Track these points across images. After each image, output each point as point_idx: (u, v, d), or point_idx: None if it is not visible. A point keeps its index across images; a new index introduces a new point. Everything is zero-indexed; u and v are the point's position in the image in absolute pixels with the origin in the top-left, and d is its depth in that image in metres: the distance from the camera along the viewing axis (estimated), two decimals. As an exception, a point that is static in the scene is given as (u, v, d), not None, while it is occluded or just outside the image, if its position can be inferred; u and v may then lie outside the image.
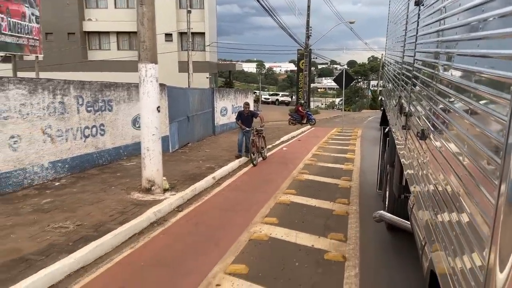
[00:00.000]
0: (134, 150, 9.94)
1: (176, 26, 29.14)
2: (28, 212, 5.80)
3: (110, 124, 9.12)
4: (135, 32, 26.77)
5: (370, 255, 4.83)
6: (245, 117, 10.69)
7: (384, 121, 7.37)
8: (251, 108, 21.22)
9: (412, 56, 3.96)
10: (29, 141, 6.89)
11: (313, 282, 4.11)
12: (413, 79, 3.84)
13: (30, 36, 14.54)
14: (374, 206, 6.56)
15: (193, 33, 27.14)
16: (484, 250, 1.36)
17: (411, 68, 3.99)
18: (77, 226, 5.27)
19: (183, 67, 28.97)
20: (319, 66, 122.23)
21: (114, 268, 4.40)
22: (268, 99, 44.55)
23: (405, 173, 4.18)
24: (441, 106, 2.46)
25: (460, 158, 1.87)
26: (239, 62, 54.84)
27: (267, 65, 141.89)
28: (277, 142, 14.67)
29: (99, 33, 30.41)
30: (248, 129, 10.46)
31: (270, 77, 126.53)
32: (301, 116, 23.06)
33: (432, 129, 2.70)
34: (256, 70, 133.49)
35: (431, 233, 2.43)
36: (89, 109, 8.39)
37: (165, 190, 7.00)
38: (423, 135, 2.95)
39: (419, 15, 3.73)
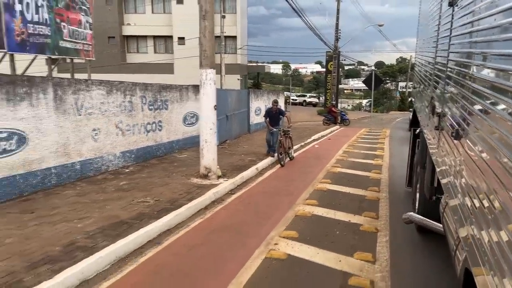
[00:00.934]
0: (184, 144, 11.26)
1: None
2: (112, 191, 7.13)
3: (166, 121, 10.47)
4: (170, 36, 28.75)
5: (399, 228, 5.87)
6: (273, 115, 11.00)
7: (414, 123, 7.38)
8: (282, 108, 22.43)
9: (445, 57, 3.93)
10: (106, 133, 8.27)
11: (351, 244, 5.20)
12: (446, 80, 3.81)
13: (85, 42, 16.15)
14: (402, 194, 7.57)
15: (225, 37, 28.50)
16: None
17: (444, 69, 3.97)
18: (155, 201, 6.55)
19: (215, 69, 30.33)
20: (346, 67, 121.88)
21: (192, 231, 5.62)
22: (296, 100, 45.52)
23: (437, 174, 4.11)
24: (476, 106, 2.46)
25: (497, 158, 1.86)
26: (266, 64, 56.00)
27: (293, 66, 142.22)
28: (309, 140, 15.73)
29: (137, 37, 32.29)
30: (275, 130, 10.70)
31: (296, 78, 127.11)
32: (334, 116, 23.82)
33: (467, 128, 2.67)
34: (282, 72, 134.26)
35: (466, 232, 2.42)
36: (150, 107, 9.74)
37: (218, 177, 8.22)
38: (457, 135, 2.93)
39: (453, 15, 3.70)
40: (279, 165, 10.27)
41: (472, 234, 2.24)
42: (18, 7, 10.87)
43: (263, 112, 18.85)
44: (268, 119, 10.98)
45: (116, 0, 30.59)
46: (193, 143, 11.90)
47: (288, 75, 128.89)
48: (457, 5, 3.50)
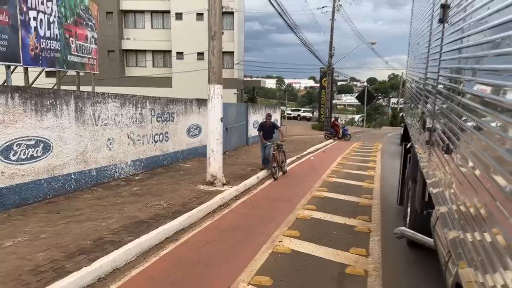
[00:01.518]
0: (187, 155, 11.91)
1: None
2: (127, 195, 7.75)
3: (172, 132, 11.14)
4: (169, 51, 29.60)
5: (389, 229, 6.55)
6: (267, 128, 11.06)
7: (405, 138, 7.45)
8: (278, 122, 23.20)
9: (436, 72, 4.00)
10: (119, 143, 8.91)
11: (347, 242, 5.86)
12: (437, 95, 3.87)
13: (90, 56, 16.86)
14: (393, 201, 8.25)
15: (223, 52, 29.38)
16: None
17: (435, 84, 4.04)
18: (168, 205, 7.17)
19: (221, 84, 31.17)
20: (339, 83, 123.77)
21: (204, 230, 6.25)
22: (291, 114, 46.43)
23: (428, 188, 4.15)
24: (466, 120, 2.49)
25: (487, 172, 1.88)
26: (261, 79, 57.05)
27: (286, 81, 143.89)
28: (305, 152, 16.46)
29: (136, 51, 33.10)
30: (268, 143, 10.78)
31: (290, 93, 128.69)
32: (336, 131, 24.51)
33: (458, 143, 2.70)
34: (276, 86, 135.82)
35: (457, 248, 2.42)
36: (158, 119, 10.42)
37: (223, 184, 8.87)
38: (448, 149, 2.96)
39: (443, 32, 3.76)
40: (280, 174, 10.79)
41: (463, 249, 2.24)
42: (33, 23, 11.57)
43: (260, 125, 19.66)
44: (261, 132, 11.07)
45: (116, 15, 31.45)
46: (195, 153, 12.56)
47: (282, 89, 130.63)
48: (447, 22, 3.57)
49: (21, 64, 10.94)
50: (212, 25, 8.25)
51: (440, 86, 3.77)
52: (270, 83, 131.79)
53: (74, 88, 16.16)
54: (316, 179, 10.68)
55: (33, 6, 11.53)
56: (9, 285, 3.92)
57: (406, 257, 5.39)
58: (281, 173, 10.94)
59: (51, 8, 12.73)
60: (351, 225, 6.67)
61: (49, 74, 22.24)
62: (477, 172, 2.08)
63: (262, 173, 10.77)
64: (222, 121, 8.67)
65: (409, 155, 6.56)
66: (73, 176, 7.61)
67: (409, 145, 6.71)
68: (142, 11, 32.34)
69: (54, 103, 7.09)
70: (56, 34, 13.22)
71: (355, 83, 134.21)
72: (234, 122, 16.24)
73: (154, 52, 33.02)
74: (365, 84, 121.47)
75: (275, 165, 10.46)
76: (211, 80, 8.44)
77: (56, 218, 6.15)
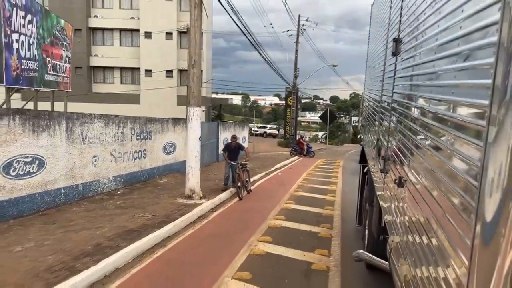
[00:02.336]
0: (163, 171, 12.70)
1: (177, 64, 32.38)
2: (113, 208, 8.48)
3: (149, 149, 11.93)
4: (137, 68, 30.30)
5: (348, 235, 7.68)
6: (232, 149, 11.27)
7: (363, 159, 7.45)
8: (246, 139, 24.28)
9: (390, 96, 4.17)
10: (102, 160, 9.64)
11: (312, 245, 6.93)
12: (390, 118, 4.01)
13: (64, 75, 17.37)
14: (351, 211, 9.42)
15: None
16: None
17: (389, 107, 4.21)
18: (153, 216, 7.99)
19: (180, 100, 31.98)
20: (303, 101, 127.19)
21: (188, 238, 7.13)
22: (257, 131, 47.71)
23: (383, 215, 4.18)
24: (416, 153, 2.56)
25: (437, 203, 1.94)
26: (228, 96, 58.30)
27: (252, 97, 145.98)
28: (272, 169, 17.57)
29: (104, 68, 33.40)
30: (233, 163, 11.01)
31: (255, 109, 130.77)
32: (301, 148, 25.88)
33: (409, 175, 2.77)
34: (242, 103, 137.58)
35: (411, 276, 2.47)
36: (137, 137, 11.21)
37: (200, 198, 9.76)
38: (400, 183, 2.99)
39: (395, 65, 3.91)
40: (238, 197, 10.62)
41: (416, 277, 2.29)
42: (15, 45, 12.14)
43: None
44: (227, 153, 11.26)
45: (85, 32, 31.76)
46: (170, 169, 13.36)
47: (247, 106, 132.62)
48: (399, 56, 3.72)
49: (4, 84, 11.46)
50: (193, 55, 9.26)
51: (394, 115, 3.82)
52: (236, 100, 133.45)
53: (44, 104, 16.55)
54: (284, 192, 11.77)
55: (16, 29, 12.12)
56: (32, 281, 4.67)
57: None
58: (245, 192, 11.08)
59: (31, 30, 13.32)
60: (315, 232, 7.76)
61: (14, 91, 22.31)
62: (427, 202, 2.13)
63: (234, 189, 11.72)
64: (200, 140, 9.62)
65: (366, 176, 6.60)
66: (62, 191, 8.28)
67: (366, 168, 6.78)
68: (111, 29, 32.84)
69: (48, 123, 7.81)
70: (35, 55, 13.78)
71: (318, 101, 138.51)
72: (205, 139, 17.12)
73: (122, 69, 33.46)
74: (328, 102, 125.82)
75: (239, 184, 10.60)
76: (191, 103, 9.41)
77: (53, 228, 6.84)
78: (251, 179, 13.11)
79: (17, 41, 12.25)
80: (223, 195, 10.59)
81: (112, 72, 33.44)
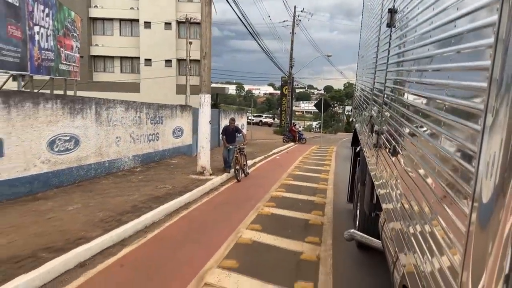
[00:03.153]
0: (172, 153, 14.02)
1: (176, 53, 33.47)
2: (137, 181, 9.82)
3: (161, 133, 13.24)
4: (137, 58, 31.35)
5: (338, 202, 9.10)
6: (230, 132, 11.60)
7: (355, 142, 7.69)
8: (245, 127, 25.62)
9: (383, 76, 4.14)
10: (124, 141, 10.94)
11: (309, 209, 8.33)
12: (384, 98, 3.98)
13: (75, 64, 18.51)
14: (342, 186, 10.81)
15: (191, 60, 31.51)
16: (458, 263, 1.41)
17: (382, 88, 4.16)
18: (173, 187, 9.34)
19: (179, 89, 33.15)
20: (297, 90, 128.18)
21: (205, 204, 8.50)
22: (253, 120, 48.98)
23: (376, 190, 4.21)
24: (412, 125, 2.54)
25: (431, 173, 1.95)
26: (221, 84, 59.31)
27: (246, 87, 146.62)
28: (270, 153, 18.96)
29: (104, 57, 34.37)
30: (231, 147, 11.43)
31: (250, 99, 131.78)
32: (293, 135, 27.37)
33: (403, 144, 2.78)
34: (236, 92, 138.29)
35: (403, 247, 2.48)
36: (151, 122, 12.50)
37: (210, 174, 11.12)
38: (394, 152, 3.03)
39: (390, 36, 3.91)
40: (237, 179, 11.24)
41: (409, 250, 2.29)
42: (36, 37, 13.29)
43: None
44: (225, 136, 11.58)
45: (85, 22, 32.64)
46: (179, 152, 14.68)
47: (241, 95, 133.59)
48: (394, 26, 3.73)
49: (29, 73, 12.64)
50: (204, 48, 10.53)
51: (387, 89, 3.85)
52: (230, 89, 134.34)
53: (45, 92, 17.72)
54: (283, 172, 13.18)
55: (37, 22, 13.27)
56: (92, 228, 6.02)
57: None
58: (243, 175, 11.64)
59: (49, 22, 14.46)
60: (312, 200, 9.18)
61: (14, 79, 23.34)
62: (421, 173, 2.16)
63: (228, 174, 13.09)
64: (210, 123, 10.94)
65: (358, 158, 6.81)
66: (93, 166, 9.59)
67: (358, 148, 6.98)
68: (111, 19, 33.77)
69: (82, 107, 9.09)
70: (51, 46, 14.93)
71: (312, 90, 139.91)
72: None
73: (122, 58, 34.48)
74: (322, 91, 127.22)
75: (238, 167, 11.21)
76: (202, 91, 10.71)
77: (91, 194, 8.18)
78: (252, 161, 14.51)
79: (38, 33, 13.40)
80: (227, 175, 11.96)
81: (112, 62, 34.46)
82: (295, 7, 33.18)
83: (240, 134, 12.07)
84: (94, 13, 33.36)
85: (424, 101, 2.27)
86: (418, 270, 2.03)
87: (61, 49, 16.37)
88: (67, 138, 8.64)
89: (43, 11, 13.90)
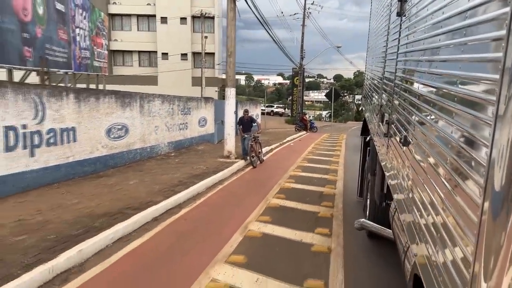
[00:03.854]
0: (198, 141, 15.78)
1: (191, 47, 35.12)
2: (175, 163, 11.58)
3: (189, 122, 14.98)
4: (155, 52, 33.30)
5: (347, 179, 10.73)
6: (245, 122, 12.41)
7: (364, 131, 7.71)
8: (259, 117, 27.27)
9: (393, 65, 4.12)
10: (161, 129, 12.69)
11: (324, 184, 10.00)
12: (395, 88, 3.96)
13: (104, 60, 20.30)
14: (351, 167, 12.45)
15: (205, 53, 33.15)
16: (470, 252, 1.42)
17: (392, 77, 4.13)
18: (206, 168, 11.07)
19: (195, 81, 34.87)
20: (307, 80, 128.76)
21: (235, 181, 10.22)
22: (264, 110, 50.63)
23: (386, 180, 4.22)
24: (423, 114, 2.54)
25: (442, 163, 1.96)
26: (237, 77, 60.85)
27: (255, 77, 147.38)
28: (284, 140, 20.64)
29: (123, 51, 36.18)
30: (246, 135, 12.29)
31: (259, 89, 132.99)
32: (305, 124, 29.00)
33: (414, 134, 2.79)
34: (245, 83, 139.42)
35: (414, 237, 2.48)
36: (181, 112, 14.23)
37: (235, 158, 12.83)
38: (405, 141, 3.03)
39: (400, 25, 3.88)
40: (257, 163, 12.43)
41: (420, 239, 2.31)
42: (77, 38, 15.06)
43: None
44: (241, 126, 12.41)
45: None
46: (203, 140, 16.43)
47: (251, 86, 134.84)
48: (404, 15, 3.70)
49: (73, 70, 14.43)
50: (229, 47, 12.17)
51: (397, 79, 3.84)
52: (240, 79, 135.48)
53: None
54: (298, 156, 14.85)
55: (78, 25, 15.04)
56: (155, 196, 7.76)
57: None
58: (258, 162, 12.58)
59: (86, 24, 16.22)
60: (325, 178, 10.83)
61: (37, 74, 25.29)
62: (433, 163, 2.16)
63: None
64: (235, 113, 12.62)
65: (368, 148, 6.84)
66: (138, 151, 11.37)
67: (368, 138, 6.99)
68: (129, 15, 35.51)
69: (130, 101, 10.84)
70: (88, 45, 16.72)
71: (322, 80, 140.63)
72: (224, 116, 20.11)
73: (140, 52, 36.29)
74: (332, 81, 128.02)
75: (253, 155, 12.11)
76: (228, 85, 12.39)
77: (142, 173, 9.95)
78: (269, 147, 16.20)
79: (78, 34, 15.18)
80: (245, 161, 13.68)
81: (130, 56, 36.28)
82: (305, 0, 34.50)
83: (255, 124, 12.90)
84: (113, 9, 35.08)
85: (435, 90, 2.27)
86: (429, 259, 2.04)
87: (95, 47, 18.15)
88: (120, 127, 10.41)
89: (81, 14, 15.65)
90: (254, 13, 19.58)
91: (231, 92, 12.41)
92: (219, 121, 18.63)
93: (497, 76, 1.27)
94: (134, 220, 6.20)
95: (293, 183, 10.01)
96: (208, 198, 8.29)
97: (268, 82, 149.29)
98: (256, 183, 9.94)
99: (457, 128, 1.78)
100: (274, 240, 5.89)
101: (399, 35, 3.89)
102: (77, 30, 15.03)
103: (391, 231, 3.97)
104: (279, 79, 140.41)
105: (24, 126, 7.31)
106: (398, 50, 3.92)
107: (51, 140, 8.00)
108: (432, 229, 2.04)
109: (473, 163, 1.50)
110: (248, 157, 12.21)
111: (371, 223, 5.03)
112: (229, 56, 12.28)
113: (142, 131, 11.55)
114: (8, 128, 6.95)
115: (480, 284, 1.30)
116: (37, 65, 11.58)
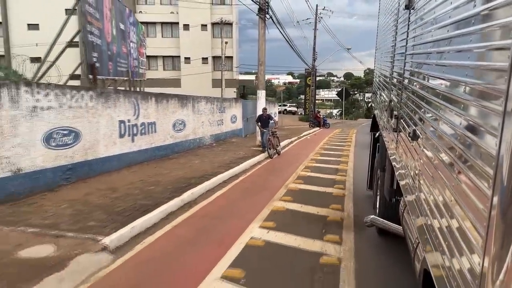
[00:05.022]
0: (231, 135, 19.09)
1: (211, 51, 38.51)
2: (219, 151, 14.87)
3: (224, 119, 18.29)
4: (177, 56, 37.11)
5: (357, 167, 13.90)
6: (263, 119, 14.61)
7: (374, 127, 7.95)
8: (277, 116, 30.52)
9: (402, 59, 4.16)
10: (205, 124, 16.02)
11: (335, 172, 13.20)
12: (403, 82, 3.99)
13: (145, 67, 23.71)
14: (360, 155, 15.58)
15: (225, 57, 36.49)
16: (479, 248, 1.43)
17: (401, 72, 4.18)
18: (244, 154, 14.34)
19: (215, 83, 38.23)
20: (317, 78, 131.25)
21: (268, 163, 13.47)
22: (278, 109, 53.89)
23: (396, 176, 4.28)
24: (433, 108, 2.55)
25: (451, 156, 1.97)
26: (252, 79, 63.99)
27: (266, 77, 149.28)
28: (301, 135, 23.86)
29: (149, 56, 39.63)
30: (265, 130, 14.45)
31: (269, 88, 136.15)
32: (318, 121, 32.26)
33: (423, 128, 2.81)
34: (255, 83, 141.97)
35: (424, 233, 2.52)
36: (219, 111, 17.55)
37: (264, 148, 16.07)
38: (414, 135, 3.06)
39: (409, 18, 3.91)
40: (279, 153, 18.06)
41: (430, 235, 2.34)
42: (132, 51, 18.45)
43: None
44: (259, 123, 14.68)
45: (133, 27, 38.06)
46: (233, 134, 19.73)
47: (254, 84, 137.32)
48: (413, 8, 3.72)
49: (131, 78, 17.82)
50: (260, 57, 15.42)
51: (406, 73, 3.88)
52: (250, 79, 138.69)
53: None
54: (313, 148, 18.07)
55: (131, 39, 18.43)
56: (217, 169, 11.03)
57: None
58: (276, 154, 14.65)
59: (135, 38, 19.61)
60: (336, 167, 14.04)
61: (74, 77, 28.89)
62: (443, 158, 2.17)
63: (282, 144, 18.01)
64: (266, 110, 15.86)
65: (377, 144, 6.94)
66: (191, 141, 14.70)
67: (377, 134, 7.13)
68: (154, 23, 39.01)
69: (186, 102, 14.17)
70: (136, 55, 20.11)
71: (332, 78, 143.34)
72: (251, 113, 23.39)
73: (164, 57, 39.78)
74: (342, 79, 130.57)
75: (271, 147, 14.26)
76: (259, 88, 15.66)
77: (199, 157, 13.25)
78: (290, 140, 19.44)
79: (132, 47, 18.57)
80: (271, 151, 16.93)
81: (156, 60, 39.77)
82: (317, 6, 37.63)
83: (272, 121, 15.05)
84: (140, 18, 38.51)
85: (444, 83, 2.26)
86: (439, 255, 2.06)
87: (139, 57, 21.56)
88: (180, 122, 13.74)
89: (133, 30, 19.05)
90: (279, 29, 22.70)
91: (262, 94, 15.69)
92: (244, 119, 21.97)
93: (507, 64, 1.28)
94: (213, 181, 9.48)
95: (309, 172, 13.23)
96: (254, 172, 11.56)
97: (278, 81, 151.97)
98: (285, 163, 13.19)
99: (466, 120, 1.78)
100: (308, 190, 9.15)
101: (408, 28, 3.93)
102: (131, 44, 18.41)
103: (401, 227, 4.05)
104: (289, 78, 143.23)
105: (129, 121, 10.65)
106: (407, 44, 3.97)
107: (143, 131, 11.35)
108: (442, 224, 2.07)
109: (482, 158, 1.52)
110: (266, 149, 14.45)
111: (381, 219, 5.12)
112: (260, 65, 15.54)
113: (194, 125, 14.88)
114: (120, 122, 10.29)
115: (490, 278, 1.31)
116: (117, 75, 14.98)
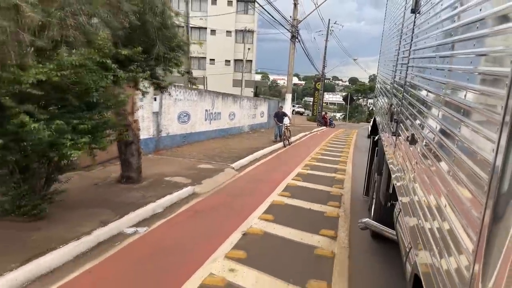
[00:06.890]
0: (260, 126, 25.41)
1: (233, 55, 44.79)
2: (256, 136, 21.12)
3: (256, 114, 24.55)
4: (203, 57, 44.25)
5: (355, 157, 20.11)
6: (279, 115, 18.96)
7: (373, 131, 8.29)
8: (290, 113, 36.79)
9: (405, 64, 4.31)
10: (245, 117, 22.27)
11: (339, 162, 19.43)
12: (405, 86, 4.16)
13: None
14: (360, 146, 21.78)
15: (246, 61, 42.72)
16: (470, 254, 1.46)
17: (402, 82, 4.36)
18: (267, 140, 20.58)
19: (235, 83, 44.45)
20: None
21: (285, 151, 19.72)
22: (287, 109, 60.19)
23: (392, 180, 4.40)
24: (432, 116, 2.64)
25: (448, 164, 2.03)
26: (266, 80, 70.18)
27: (271, 77, 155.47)
28: (312, 131, 30.13)
29: (178, 56, 45.90)
30: (280, 124, 18.91)
31: (274, 89, 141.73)
32: (325, 121, 38.59)
33: (422, 132, 2.89)
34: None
35: (417, 238, 2.58)
36: (253, 107, 23.79)
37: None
38: (413, 140, 3.16)
39: (414, 22, 4.04)
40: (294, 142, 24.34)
41: (422, 240, 2.40)
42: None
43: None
44: (276, 118, 19.18)
45: (166, 29, 44.19)
46: (261, 126, 26.02)
47: (266, 86, 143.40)
48: (419, 12, 3.85)
49: (191, 78, 24.08)
50: (289, 68, 21.62)
51: (409, 76, 3.99)
52: (256, 79, 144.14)
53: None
54: (323, 139, 24.30)
55: (188, 49, 24.70)
56: (262, 145, 17.26)
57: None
58: (288, 145, 19.28)
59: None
60: (339, 158, 20.25)
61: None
62: (438, 161, 2.25)
63: (297, 136, 24.19)
64: (291, 109, 22.10)
65: (376, 148, 7.26)
66: (237, 128, 20.95)
67: (376, 137, 7.44)
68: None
69: (235, 99, 20.43)
70: (188, 60, 26.33)
71: (337, 82, 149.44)
72: (273, 110, 29.64)
73: (192, 58, 45.97)
74: (347, 83, 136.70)
75: (285, 138, 18.78)
76: (287, 91, 21.90)
77: (246, 138, 19.47)
78: (303, 134, 25.72)
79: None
80: (292, 139, 23.19)
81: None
82: (329, 20, 43.86)
83: (286, 117, 19.72)
84: (172, 21, 44.80)
85: (446, 88, 2.32)
86: (430, 260, 2.10)
87: (187, 60, 27.76)
88: (232, 113, 20.00)
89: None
90: (302, 47, 28.87)
91: (288, 96, 22.02)
92: (269, 115, 28.23)
93: (508, 70, 1.30)
94: (263, 151, 15.70)
95: (317, 161, 19.48)
96: (278, 154, 17.76)
97: (284, 83, 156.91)
98: (300, 150, 19.42)
99: (464, 125, 1.84)
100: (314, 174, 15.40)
101: (413, 32, 4.04)
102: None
103: (394, 231, 4.14)
104: (295, 80, 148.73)
105: (208, 110, 16.89)
106: (411, 48, 4.07)
107: (215, 117, 17.61)
108: (435, 230, 2.11)
109: (477, 165, 1.55)
110: (281, 139, 19.18)
111: (375, 223, 5.19)
112: (289, 74, 21.76)
113: (240, 116, 21.15)
114: (206, 111, 16.54)
115: (479, 286, 1.34)
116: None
